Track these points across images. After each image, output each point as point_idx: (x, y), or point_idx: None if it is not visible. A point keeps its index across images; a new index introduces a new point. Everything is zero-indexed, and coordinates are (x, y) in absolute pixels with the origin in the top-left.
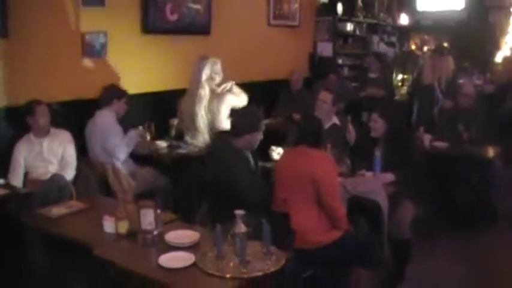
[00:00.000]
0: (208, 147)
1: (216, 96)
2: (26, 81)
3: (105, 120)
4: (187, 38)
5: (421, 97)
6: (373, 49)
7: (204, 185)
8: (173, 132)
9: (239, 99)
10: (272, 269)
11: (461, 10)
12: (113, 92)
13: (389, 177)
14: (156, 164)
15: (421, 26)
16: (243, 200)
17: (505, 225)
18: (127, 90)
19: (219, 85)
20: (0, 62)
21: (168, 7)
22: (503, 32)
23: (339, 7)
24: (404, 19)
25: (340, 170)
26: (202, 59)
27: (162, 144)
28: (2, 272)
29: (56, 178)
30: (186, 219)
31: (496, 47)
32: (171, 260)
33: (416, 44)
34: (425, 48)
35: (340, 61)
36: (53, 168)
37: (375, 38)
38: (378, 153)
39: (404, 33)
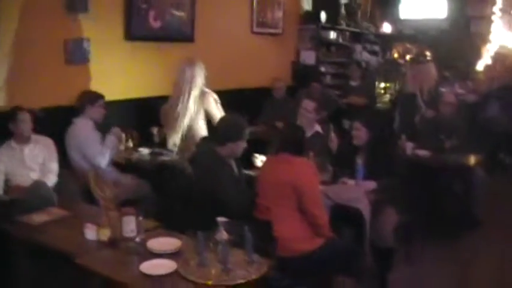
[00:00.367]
0: (192, 154)
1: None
2: (8, 87)
3: (82, 129)
4: (171, 45)
5: (403, 105)
6: (356, 57)
7: (187, 192)
8: (157, 139)
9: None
10: (254, 277)
11: (443, 19)
12: (85, 98)
13: (372, 185)
14: (139, 171)
15: (404, 34)
16: (226, 208)
17: (486, 232)
18: (102, 94)
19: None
20: None
21: (152, 14)
22: (484, 41)
23: (323, 15)
24: (387, 28)
25: (322, 178)
26: (194, 63)
27: (145, 151)
28: None
29: (38, 185)
30: (169, 227)
31: (478, 55)
32: (153, 267)
33: (399, 52)
34: (407, 57)
35: (323, 69)
36: (34, 175)
37: (358, 47)
38: (360, 161)
39: (387, 41)
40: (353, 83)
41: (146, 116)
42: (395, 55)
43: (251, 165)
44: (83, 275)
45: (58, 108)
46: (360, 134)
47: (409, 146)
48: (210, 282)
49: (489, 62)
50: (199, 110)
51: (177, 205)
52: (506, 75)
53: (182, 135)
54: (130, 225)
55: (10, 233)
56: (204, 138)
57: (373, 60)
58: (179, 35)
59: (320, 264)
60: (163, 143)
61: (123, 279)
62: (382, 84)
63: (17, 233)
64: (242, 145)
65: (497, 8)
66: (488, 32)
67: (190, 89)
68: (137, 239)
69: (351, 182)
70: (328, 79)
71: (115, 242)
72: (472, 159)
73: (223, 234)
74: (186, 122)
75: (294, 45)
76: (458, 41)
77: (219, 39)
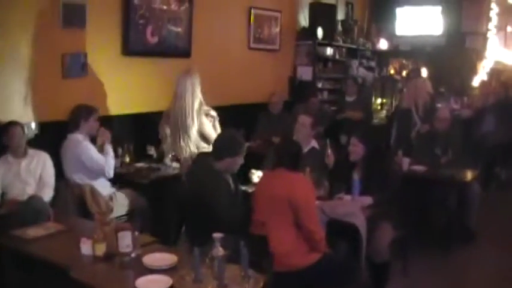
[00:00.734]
0: (189, 168)
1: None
2: (5, 102)
3: (80, 147)
4: (168, 60)
5: (400, 121)
6: (352, 73)
7: (183, 207)
8: (155, 155)
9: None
10: None
11: (439, 35)
12: (78, 114)
13: (368, 200)
14: (135, 186)
15: (400, 50)
16: (220, 223)
17: (481, 246)
18: (96, 107)
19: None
20: None
21: (149, 29)
22: (479, 57)
23: (319, 31)
24: (383, 44)
25: (318, 193)
26: (193, 74)
27: (141, 165)
28: None
29: (34, 199)
30: (165, 242)
31: (473, 71)
32: (148, 283)
33: (395, 68)
34: (404, 73)
35: (319, 85)
36: (30, 189)
37: (354, 63)
38: (356, 176)
39: (383, 57)
40: (349, 99)
41: (143, 131)
42: (392, 71)
43: (248, 180)
44: None
45: (55, 123)
46: (357, 149)
47: (405, 162)
48: None
49: (484, 77)
50: (201, 123)
51: (173, 220)
52: (501, 91)
53: (188, 148)
54: (126, 240)
55: (3, 246)
56: (201, 153)
57: (369, 76)
58: (176, 50)
59: (316, 280)
60: (160, 158)
61: None
62: (379, 100)
63: (11, 247)
64: (239, 160)
65: (492, 25)
66: (484, 48)
67: (194, 99)
68: (133, 254)
69: (347, 197)
70: (325, 95)
71: (111, 257)
72: (469, 174)
73: (219, 250)
74: (194, 133)
75: (290, 61)
76: (454, 57)
77: (216, 55)
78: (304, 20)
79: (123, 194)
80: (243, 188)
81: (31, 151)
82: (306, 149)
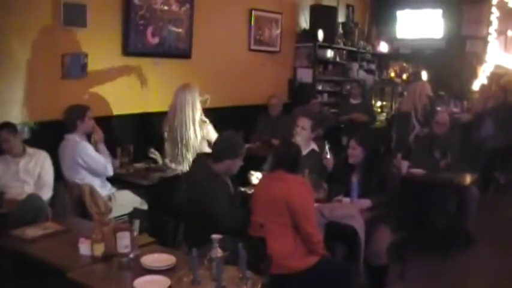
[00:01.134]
0: (188, 169)
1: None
2: (4, 101)
3: (79, 147)
4: (168, 61)
5: (399, 124)
6: (352, 76)
7: (181, 208)
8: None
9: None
10: None
11: (439, 39)
12: (73, 115)
13: (366, 203)
14: (134, 187)
15: (400, 54)
16: (219, 225)
17: (480, 250)
18: (87, 105)
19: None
20: None
21: (150, 30)
22: (480, 61)
23: (320, 34)
24: (383, 47)
25: (317, 196)
26: (192, 88)
27: (140, 166)
28: None
29: (32, 198)
30: (163, 243)
31: (473, 75)
32: (147, 283)
33: (395, 71)
34: (404, 76)
35: (319, 87)
36: (28, 189)
37: (355, 65)
38: (355, 179)
39: (384, 60)
40: (353, 101)
41: (143, 131)
42: (392, 74)
43: (247, 182)
44: None
45: (55, 122)
46: (356, 152)
47: (404, 165)
48: None
49: (484, 81)
50: (202, 137)
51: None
52: (501, 95)
53: (188, 162)
54: (124, 240)
55: (1, 246)
56: (200, 154)
57: (369, 79)
58: (176, 51)
59: (314, 283)
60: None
61: None
62: (379, 103)
63: (10, 247)
64: (239, 163)
65: (492, 29)
66: (484, 52)
67: (194, 112)
68: (131, 255)
69: (346, 199)
70: (325, 97)
71: (109, 257)
72: (467, 178)
73: (217, 251)
74: (196, 145)
75: (290, 63)
76: (454, 60)
77: (216, 56)
78: (304, 22)
79: (122, 195)
80: (243, 189)
81: (30, 150)
82: (305, 152)
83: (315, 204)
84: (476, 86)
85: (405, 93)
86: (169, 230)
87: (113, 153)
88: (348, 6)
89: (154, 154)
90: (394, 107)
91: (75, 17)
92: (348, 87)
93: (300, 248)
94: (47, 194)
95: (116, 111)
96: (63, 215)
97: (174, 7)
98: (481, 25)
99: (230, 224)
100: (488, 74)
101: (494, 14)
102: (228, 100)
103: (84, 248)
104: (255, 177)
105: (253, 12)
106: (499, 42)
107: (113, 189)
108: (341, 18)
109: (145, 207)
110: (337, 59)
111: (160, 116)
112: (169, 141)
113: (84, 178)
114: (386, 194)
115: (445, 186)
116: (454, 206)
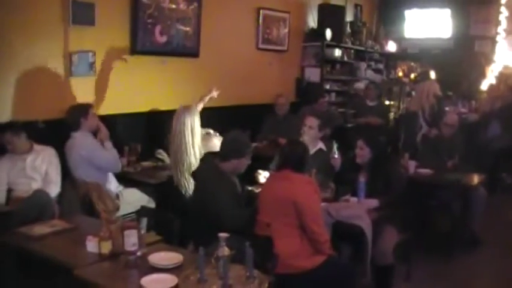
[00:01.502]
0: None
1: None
2: (12, 100)
3: (86, 144)
4: (176, 60)
5: (407, 124)
6: (360, 75)
7: (188, 206)
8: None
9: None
10: None
11: (448, 39)
12: (76, 113)
13: (374, 203)
14: (141, 185)
15: (408, 53)
16: (225, 224)
17: (486, 251)
18: (89, 103)
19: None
20: None
21: (158, 28)
22: (488, 60)
23: (328, 33)
24: (391, 46)
25: (324, 195)
26: (191, 111)
27: (148, 164)
28: None
29: (38, 194)
30: (170, 241)
31: (482, 75)
32: (154, 281)
33: (403, 71)
34: (412, 76)
35: (327, 87)
36: (35, 185)
37: (363, 65)
38: (362, 179)
39: (392, 60)
40: (370, 103)
41: (150, 129)
42: (400, 74)
43: (254, 181)
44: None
45: (62, 120)
46: (363, 152)
47: (411, 165)
48: None
49: (493, 81)
50: (212, 148)
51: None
52: (509, 95)
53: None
54: (132, 238)
55: (8, 244)
56: (208, 153)
57: (377, 78)
58: (184, 49)
59: (320, 282)
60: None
61: None
62: (387, 102)
63: (16, 245)
64: (246, 162)
65: (501, 29)
66: (493, 52)
67: (194, 136)
68: (139, 253)
69: (353, 199)
70: (332, 96)
71: (116, 255)
72: (475, 178)
73: (224, 250)
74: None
75: (298, 62)
76: (462, 60)
77: (224, 54)
78: (312, 21)
79: (130, 193)
80: (250, 188)
81: (37, 147)
82: (312, 151)
83: (322, 204)
84: (484, 86)
85: (413, 93)
86: (176, 228)
87: (120, 152)
88: (356, 5)
89: (162, 155)
90: (401, 106)
91: (83, 15)
92: (361, 86)
93: (306, 247)
94: (54, 190)
95: (124, 109)
96: (71, 213)
97: (182, 6)
98: (489, 25)
99: (235, 223)
100: (496, 74)
101: (503, 14)
102: (236, 99)
103: (92, 245)
104: (263, 176)
105: (261, 11)
106: (507, 42)
107: (120, 187)
108: (349, 17)
109: (152, 205)
110: (345, 59)
111: (168, 114)
112: (172, 164)
113: (92, 176)
114: (393, 194)
115: (452, 187)
116: (460, 207)
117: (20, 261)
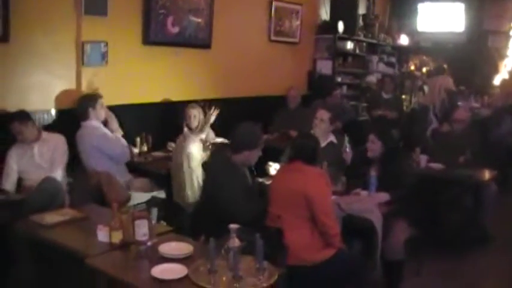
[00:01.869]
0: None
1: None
2: (24, 87)
3: (97, 133)
4: (188, 51)
5: (418, 118)
6: (372, 68)
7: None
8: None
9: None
10: (264, 285)
11: (460, 33)
12: (85, 103)
13: (384, 197)
14: (152, 175)
15: (421, 47)
16: (235, 216)
17: (497, 248)
18: (98, 94)
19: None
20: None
21: (170, 19)
22: (502, 55)
23: (340, 25)
24: (404, 39)
25: (335, 188)
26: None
27: (159, 155)
28: None
29: (47, 180)
30: (180, 231)
31: (495, 70)
32: (164, 271)
33: (415, 64)
34: (424, 69)
35: (339, 79)
36: (44, 174)
37: (375, 58)
38: (373, 173)
39: (404, 53)
40: (385, 96)
41: (162, 120)
42: (412, 67)
43: (265, 173)
44: (90, 277)
45: (74, 110)
46: (375, 147)
47: (423, 159)
48: None
49: (506, 76)
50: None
51: (188, 210)
52: None
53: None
54: (142, 228)
55: (19, 232)
56: (219, 146)
57: (389, 72)
58: (196, 41)
59: (330, 275)
60: None
61: (133, 281)
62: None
63: (28, 233)
64: (257, 154)
65: None
66: (506, 47)
67: (190, 162)
68: (149, 243)
69: (364, 193)
70: (344, 89)
71: (127, 245)
72: (487, 174)
73: (235, 241)
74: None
75: (310, 54)
76: (475, 55)
77: (236, 46)
78: (325, 14)
79: (140, 182)
80: (260, 180)
81: (46, 135)
82: (324, 144)
83: (333, 197)
84: (497, 81)
85: (425, 87)
86: (186, 218)
87: (131, 142)
88: None
89: (172, 147)
90: (413, 100)
91: (96, 5)
92: (373, 80)
93: (316, 240)
94: (58, 172)
95: (136, 99)
96: (82, 202)
97: None
98: (503, 19)
99: (246, 215)
100: (509, 69)
101: None
102: (247, 91)
103: (103, 235)
104: (273, 168)
105: (273, 3)
106: None
107: (131, 177)
108: (361, 10)
109: (162, 195)
110: (357, 51)
111: (180, 105)
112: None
113: (103, 165)
114: (404, 188)
115: (463, 183)
116: (471, 203)
117: (31, 249)
